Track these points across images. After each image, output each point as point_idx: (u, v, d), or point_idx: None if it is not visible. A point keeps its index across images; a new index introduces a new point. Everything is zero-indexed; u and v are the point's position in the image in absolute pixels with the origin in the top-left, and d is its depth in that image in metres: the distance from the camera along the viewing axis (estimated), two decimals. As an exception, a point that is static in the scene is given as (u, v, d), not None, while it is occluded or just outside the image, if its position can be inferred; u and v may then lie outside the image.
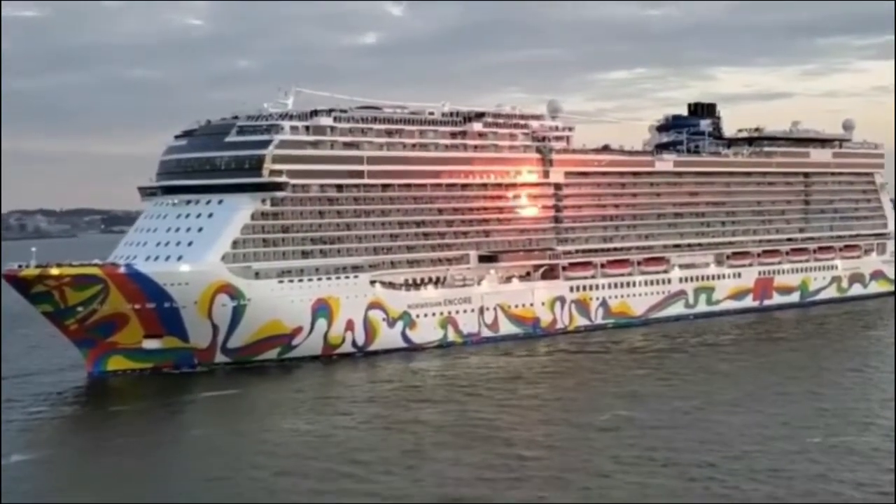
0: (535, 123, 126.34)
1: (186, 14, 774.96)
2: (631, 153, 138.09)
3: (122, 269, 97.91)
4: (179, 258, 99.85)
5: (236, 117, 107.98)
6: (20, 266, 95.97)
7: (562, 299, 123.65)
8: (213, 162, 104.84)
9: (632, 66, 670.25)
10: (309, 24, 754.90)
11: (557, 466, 63.10)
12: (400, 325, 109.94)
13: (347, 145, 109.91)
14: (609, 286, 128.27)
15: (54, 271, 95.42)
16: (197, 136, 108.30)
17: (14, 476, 64.43)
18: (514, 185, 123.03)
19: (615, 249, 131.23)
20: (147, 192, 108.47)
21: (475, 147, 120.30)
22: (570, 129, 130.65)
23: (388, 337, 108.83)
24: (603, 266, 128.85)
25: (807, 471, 61.07)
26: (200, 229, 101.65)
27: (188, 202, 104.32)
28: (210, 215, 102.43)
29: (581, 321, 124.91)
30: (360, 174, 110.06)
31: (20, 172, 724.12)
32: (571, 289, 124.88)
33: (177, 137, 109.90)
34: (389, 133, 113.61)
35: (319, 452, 68.20)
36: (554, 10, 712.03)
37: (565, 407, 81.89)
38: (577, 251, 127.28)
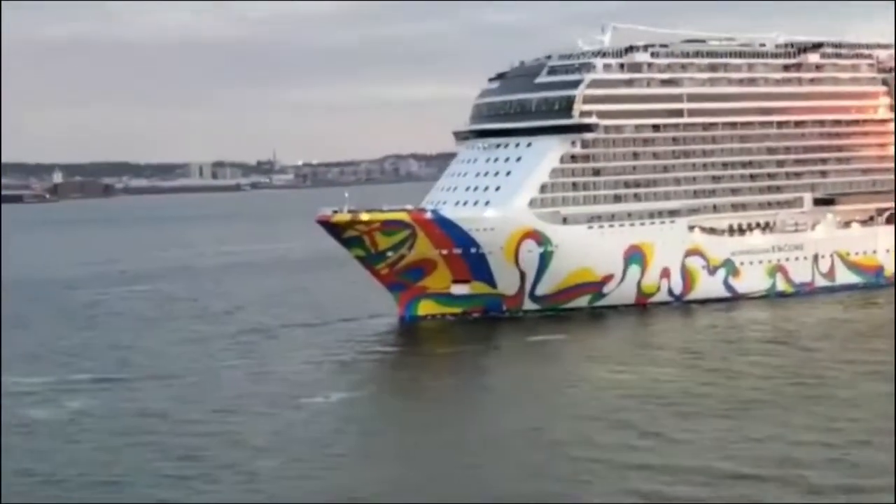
0: (882, 53, 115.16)
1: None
2: None
3: (428, 215, 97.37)
4: (487, 203, 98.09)
5: (549, 57, 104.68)
6: (334, 211, 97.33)
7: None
8: (523, 104, 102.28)
9: None
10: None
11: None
12: (722, 273, 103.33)
13: (665, 82, 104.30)
14: None
15: (364, 217, 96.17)
16: (509, 79, 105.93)
17: (334, 412, 66.41)
18: (855, 122, 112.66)
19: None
20: (461, 137, 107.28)
21: (811, 80, 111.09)
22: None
23: (709, 286, 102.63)
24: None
25: None
26: (508, 173, 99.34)
27: (497, 146, 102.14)
28: (518, 159, 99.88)
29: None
30: (679, 113, 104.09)
31: (397, 118, 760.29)
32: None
33: (490, 80, 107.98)
34: (713, 68, 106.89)
35: (638, 403, 64.99)
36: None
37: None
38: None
